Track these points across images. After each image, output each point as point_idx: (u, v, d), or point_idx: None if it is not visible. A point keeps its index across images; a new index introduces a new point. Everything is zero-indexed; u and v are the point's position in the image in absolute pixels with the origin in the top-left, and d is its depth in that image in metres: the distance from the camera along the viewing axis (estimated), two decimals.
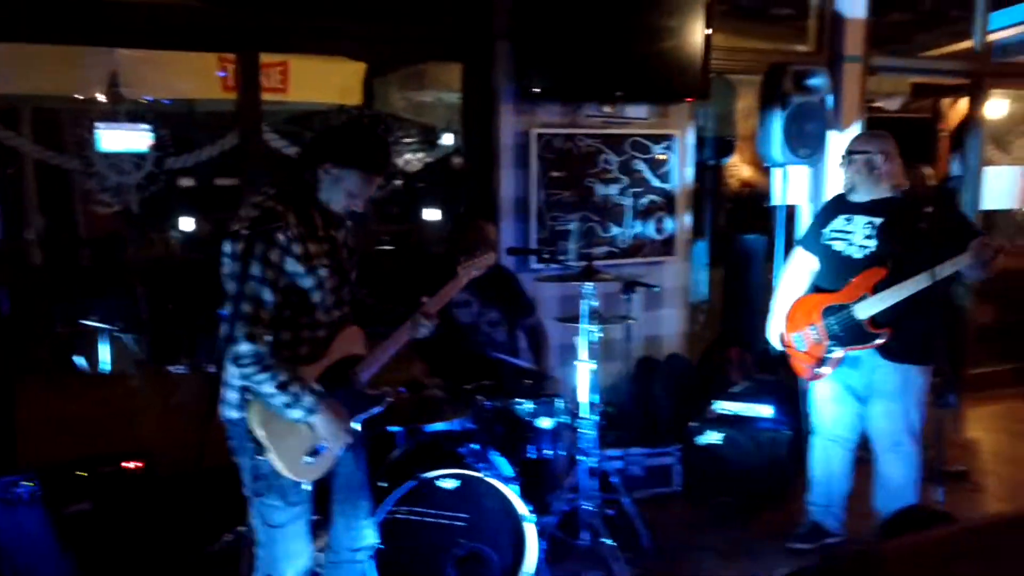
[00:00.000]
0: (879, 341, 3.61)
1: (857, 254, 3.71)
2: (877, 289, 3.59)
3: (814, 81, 4.79)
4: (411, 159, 8.48)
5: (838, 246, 3.79)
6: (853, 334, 3.66)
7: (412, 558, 3.22)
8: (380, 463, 3.51)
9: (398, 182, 8.31)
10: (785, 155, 4.77)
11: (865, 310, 3.61)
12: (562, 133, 4.76)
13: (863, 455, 3.94)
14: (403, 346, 2.90)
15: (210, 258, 2.64)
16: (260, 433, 2.51)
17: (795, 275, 4.02)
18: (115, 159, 4.57)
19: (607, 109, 4.84)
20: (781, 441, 4.47)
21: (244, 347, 2.40)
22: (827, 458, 3.98)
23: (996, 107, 6.55)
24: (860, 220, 3.75)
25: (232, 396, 2.59)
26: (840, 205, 3.89)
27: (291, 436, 2.57)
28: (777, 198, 5.12)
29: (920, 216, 3.58)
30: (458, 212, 4.90)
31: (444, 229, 8.10)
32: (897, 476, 3.78)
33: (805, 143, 4.78)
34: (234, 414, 2.59)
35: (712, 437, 4.53)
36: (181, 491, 3.72)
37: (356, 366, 2.75)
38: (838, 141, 5.47)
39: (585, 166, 4.85)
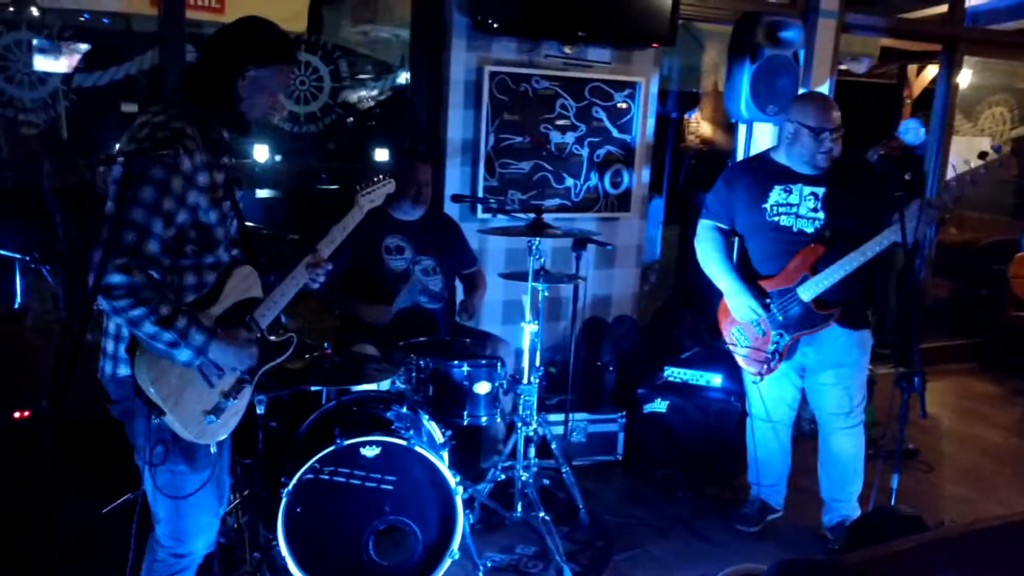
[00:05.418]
0: (830, 322, 3.37)
1: (809, 228, 3.39)
2: (818, 268, 3.32)
3: (788, 34, 4.52)
4: (364, 96, 8.07)
5: (786, 221, 3.42)
6: (799, 319, 3.40)
7: (329, 526, 2.95)
8: (300, 423, 3.23)
9: (349, 119, 7.93)
10: (752, 111, 4.51)
11: (809, 291, 3.34)
12: (518, 73, 4.42)
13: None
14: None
15: None
16: (152, 392, 2.15)
17: (724, 253, 3.59)
18: (14, 72, 4.08)
19: (567, 50, 4.50)
20: (730, 412, 4.27)
21: (116, 278, 2.00)
22: (769, 439, 3.76)
23: (963, 76, 6.36)
24: (802, 190, 3.40)
25: (112, 347, 2.24)
26: (771, 174, 3.47)
27: (188, 392, 2.23)
28: (740, 156, 4.86)
29: (898, 184, 3.32)
30: (400, 151, 4.56)
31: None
32: (848, 452, 3.58)
33: (774, 99, 4.51)
34: (120, 371, 2.23)
35: (659, 405, 4.32)
36: (75, 444, 3.39)
37: (254, 311, 2.41)
38: None
39: (541, 111, 4.53)
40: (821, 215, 3.37)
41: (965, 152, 6.07)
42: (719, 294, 3.65)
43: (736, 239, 3.70)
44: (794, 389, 3.67)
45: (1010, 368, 6.21)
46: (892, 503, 3.16)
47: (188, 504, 2.33)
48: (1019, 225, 6.74)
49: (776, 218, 3.44)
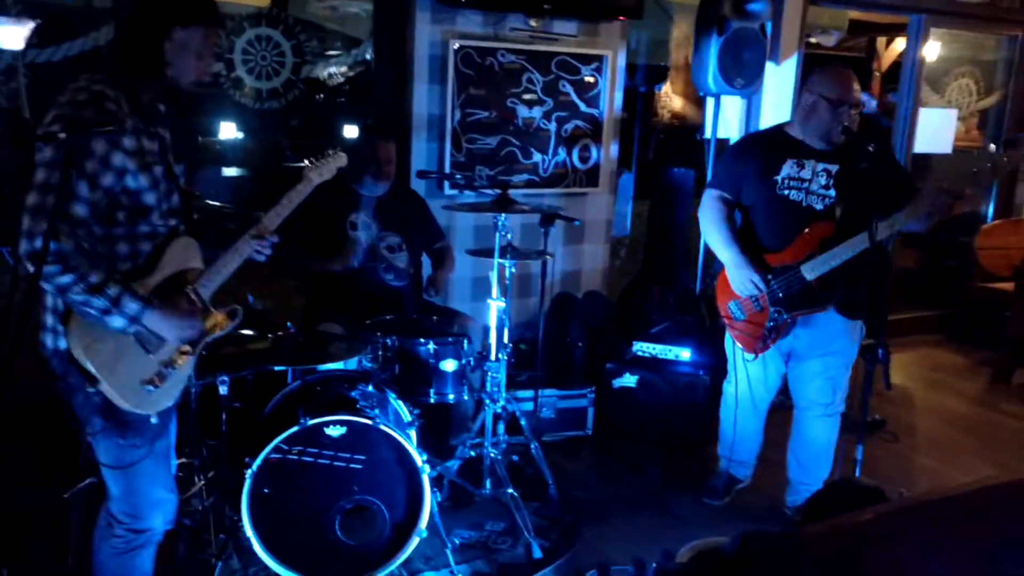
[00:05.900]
0: (829, 305, 3.29)
1: (818, 204, 3.27)
2: (825, 246, 3.21)
3: (755, 6, 4.48)
4: (332, 71, 7.96)
5: (795, 195, 3.29)
6: (800, 298, 3.30)
7: (295, 507, 2.92)
8: (265, 403, 3.19)
9: (319, 96, 7.83)
10: (719, 84, 4.48)
11: (813, 270, 3.24)
12: (484, 47, 4.36)
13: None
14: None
15: None
16: (87, 363, 2.13)
17: (729, 223, 3.46)
18: None
19: (533, 23, 4.46)
20: (698, 385, 4.28)
21: (43, 243, 1.97)
22: (743, 417, 3.68)
23: (931, 48, 6.36)
24: (814, 166, 3.29)
25: (52, 321, 2.19)
26: (784, 148, 3.36)
27: (125, 360, 2.19)
28: (709, 130, 4.84)
29: (862, 156, 3.26)
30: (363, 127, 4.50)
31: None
32: (822, 439, 3.56)
33: (741, 72, 4.50)
34: (60, 343, 2.18)
35: (628, 379, 4.32)
36: (36, 425, 3.33)
37: (194, 282, 2.36)
38: (775, 73, 5.22)
39: (507, 85, 4.48)
40: (832, 193, 3.26)
41: (931, 124, 6.13)
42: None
43: (740, 213, 3.57)
44: (776, 375, 3.61)
45: (976, 339, 6.28)
46: (857, 473, 3.18)
47: (138, 478, 2.32)
48: (985, 197, 6.78)
49: (786, 191, 3.32)
